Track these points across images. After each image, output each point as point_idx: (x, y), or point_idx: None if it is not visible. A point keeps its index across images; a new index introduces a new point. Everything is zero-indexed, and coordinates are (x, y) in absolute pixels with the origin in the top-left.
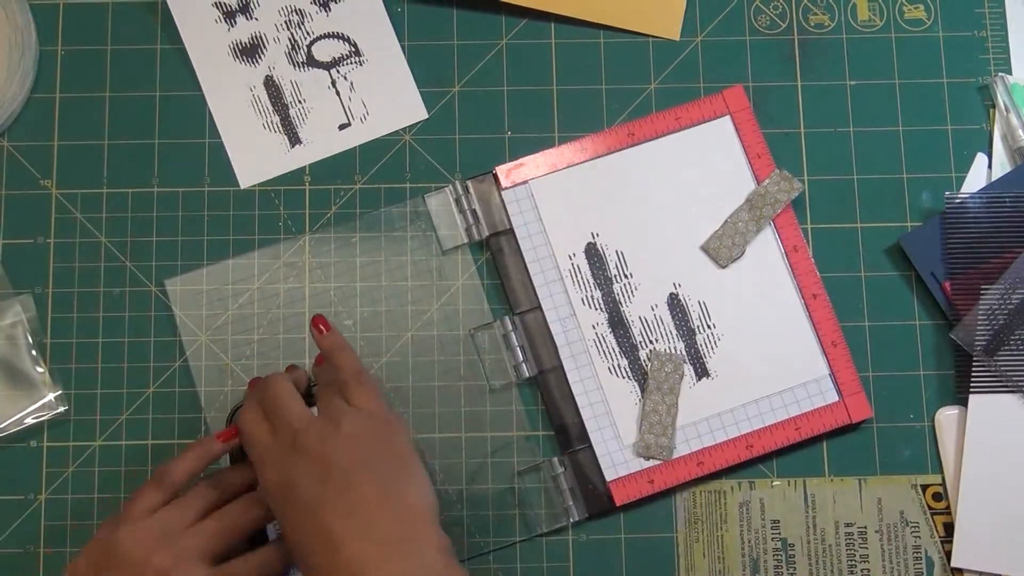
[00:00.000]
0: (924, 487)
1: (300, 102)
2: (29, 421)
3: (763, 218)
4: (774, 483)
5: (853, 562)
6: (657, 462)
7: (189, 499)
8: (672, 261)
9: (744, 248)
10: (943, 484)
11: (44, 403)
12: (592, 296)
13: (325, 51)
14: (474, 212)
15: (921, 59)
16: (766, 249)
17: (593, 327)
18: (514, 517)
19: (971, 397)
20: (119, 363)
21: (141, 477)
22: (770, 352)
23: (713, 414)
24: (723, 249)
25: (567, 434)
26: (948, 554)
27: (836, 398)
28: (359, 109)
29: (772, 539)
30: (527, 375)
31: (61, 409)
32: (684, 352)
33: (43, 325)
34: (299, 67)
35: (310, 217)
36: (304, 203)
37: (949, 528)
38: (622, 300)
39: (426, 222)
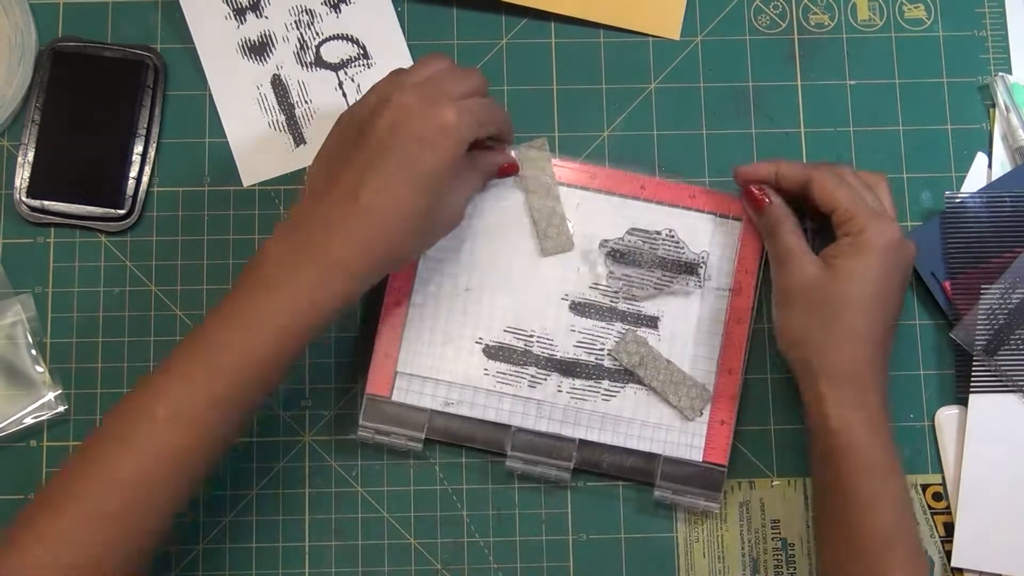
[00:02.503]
0: (924, 487)
1: (306, 102)
2: (29, 421)
3: (552, 195)
4: (774, 483)
5: None
6: (705, 414)
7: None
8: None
9: (570, 238)
10: (943, 484)
11: (44, 403)
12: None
13: (333, 52)
14: None
15: (921, 59)
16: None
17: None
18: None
19: (971, 397)
20: (119, 363)
21: None
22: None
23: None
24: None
25: (647, 473)
26: (948, 554)
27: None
28: None
29: (772, 539)
30: (569, 474)
31: (61, 409)
32: (622, 328)
33: (43, 325)
34: (307, 67)
35: None
36: None
37: (949, 528)
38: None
39: None
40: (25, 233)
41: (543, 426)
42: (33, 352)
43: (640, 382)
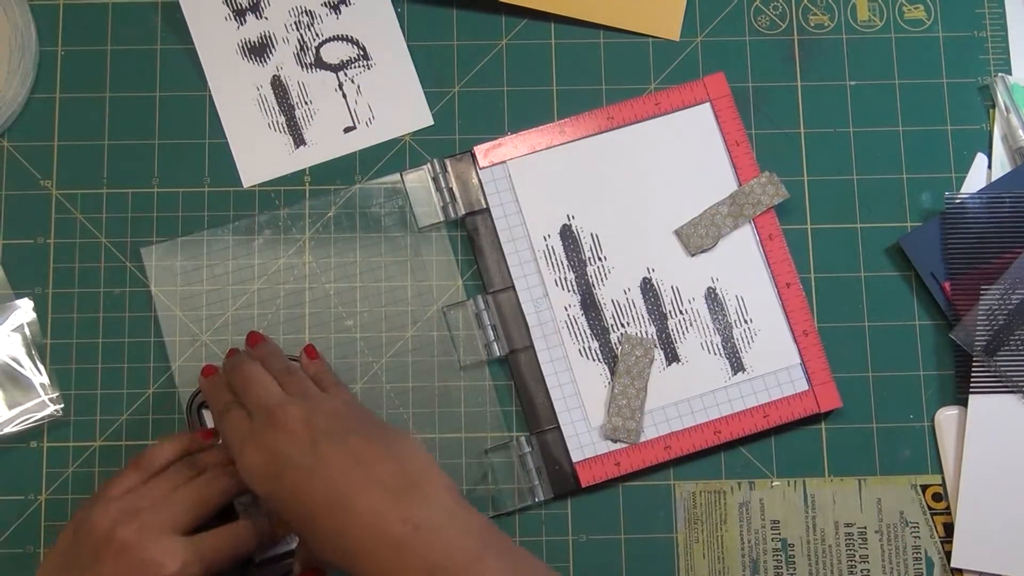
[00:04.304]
0: (924, 487)
1: (306, 103)
2: (29, 422)
3: (742, 216)
4: (774, 483)
5: (853, 562)
6: (624, 445)
7: (162, 478)
8: (647, 245)
9: (716, 240)
10: (943, 484)
11: (44, 404)
12: (565, 278)
13: (333, 53)
14: (451, 191)
15: (921, 59)
16: (741, 236)
17: (565, 309)
18: (486, 493)
19: (971, 397)
20: (119, 363)
21: None
22: (741, 339)
23: (682, 399)
24: (695, 237)
25: (536, 414)
26: (948, 554)
27: (806, 387)
28: (365, 113)
29: (772, 539)
30: (498, 354)
31: (61, 410)
32: (655, 336)
33: (43, 326)
34: (307, 68)
35: (310, 217)
36: (304, 203)
37: (949, 528)
38: (595, 283)
39: (403, 199)
40: (25, 233)
41: (528, 308)
42: (33, 354)
43: (611, 374)
